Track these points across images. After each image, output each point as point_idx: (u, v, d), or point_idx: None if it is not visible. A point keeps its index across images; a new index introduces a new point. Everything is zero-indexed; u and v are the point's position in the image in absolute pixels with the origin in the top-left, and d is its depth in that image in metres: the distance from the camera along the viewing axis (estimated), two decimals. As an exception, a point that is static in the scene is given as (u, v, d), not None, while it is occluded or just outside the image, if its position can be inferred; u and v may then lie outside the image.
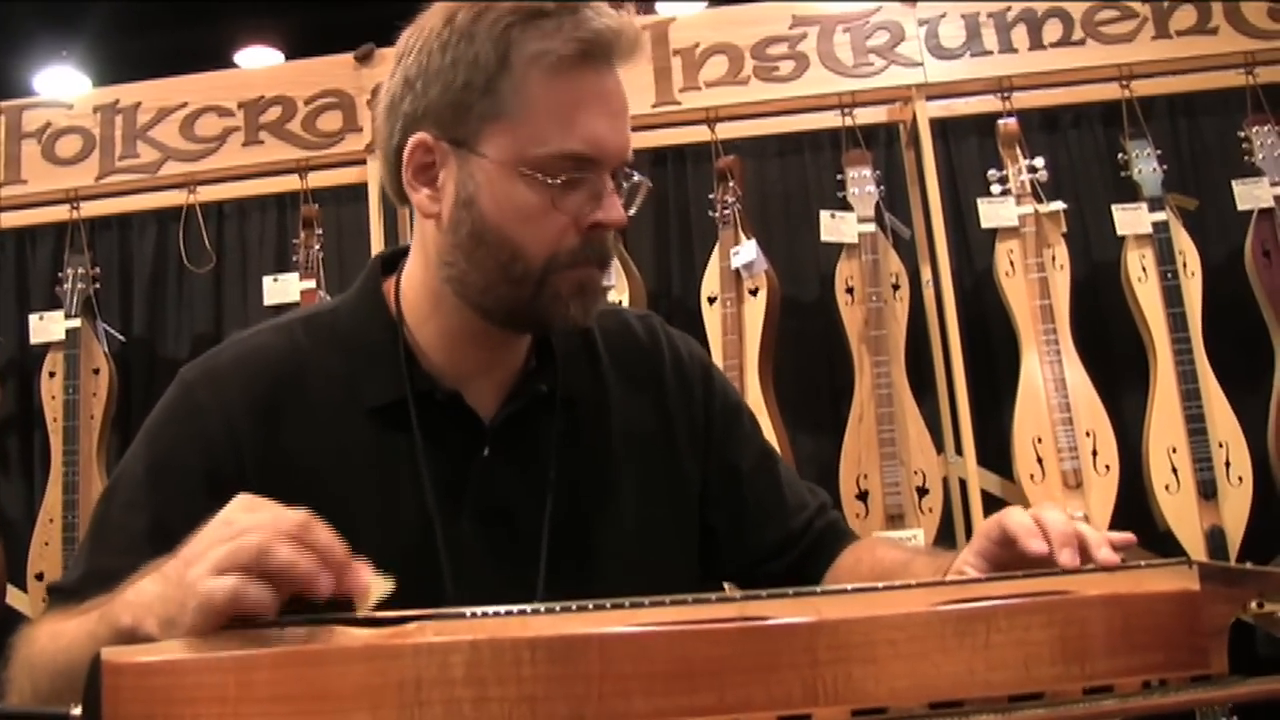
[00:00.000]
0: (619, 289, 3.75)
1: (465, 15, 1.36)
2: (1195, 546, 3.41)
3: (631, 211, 1.44)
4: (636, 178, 1.45)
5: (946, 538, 3.61)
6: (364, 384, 1.46)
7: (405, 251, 1.53)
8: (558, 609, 0.97)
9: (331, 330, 1.51)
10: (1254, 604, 1.08)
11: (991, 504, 3.60)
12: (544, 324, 1.45)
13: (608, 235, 1.40)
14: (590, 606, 0.98)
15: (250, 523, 0.99)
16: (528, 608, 0.97)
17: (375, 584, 0.99)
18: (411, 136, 1.40)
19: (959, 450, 3.68)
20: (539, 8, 1.35)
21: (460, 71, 1.35)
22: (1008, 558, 1.25)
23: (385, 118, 1.44)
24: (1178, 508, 3.48)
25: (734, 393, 1.72)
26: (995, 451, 3.73)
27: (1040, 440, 3.56)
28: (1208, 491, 3.47)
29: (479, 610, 0.96)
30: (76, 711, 0.92)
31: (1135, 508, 3.56)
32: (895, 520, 3.56)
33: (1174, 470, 3.51)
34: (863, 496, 3.60)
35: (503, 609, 0.97)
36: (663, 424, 1.60)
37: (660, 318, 1.71)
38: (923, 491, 3.61)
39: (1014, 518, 1.25)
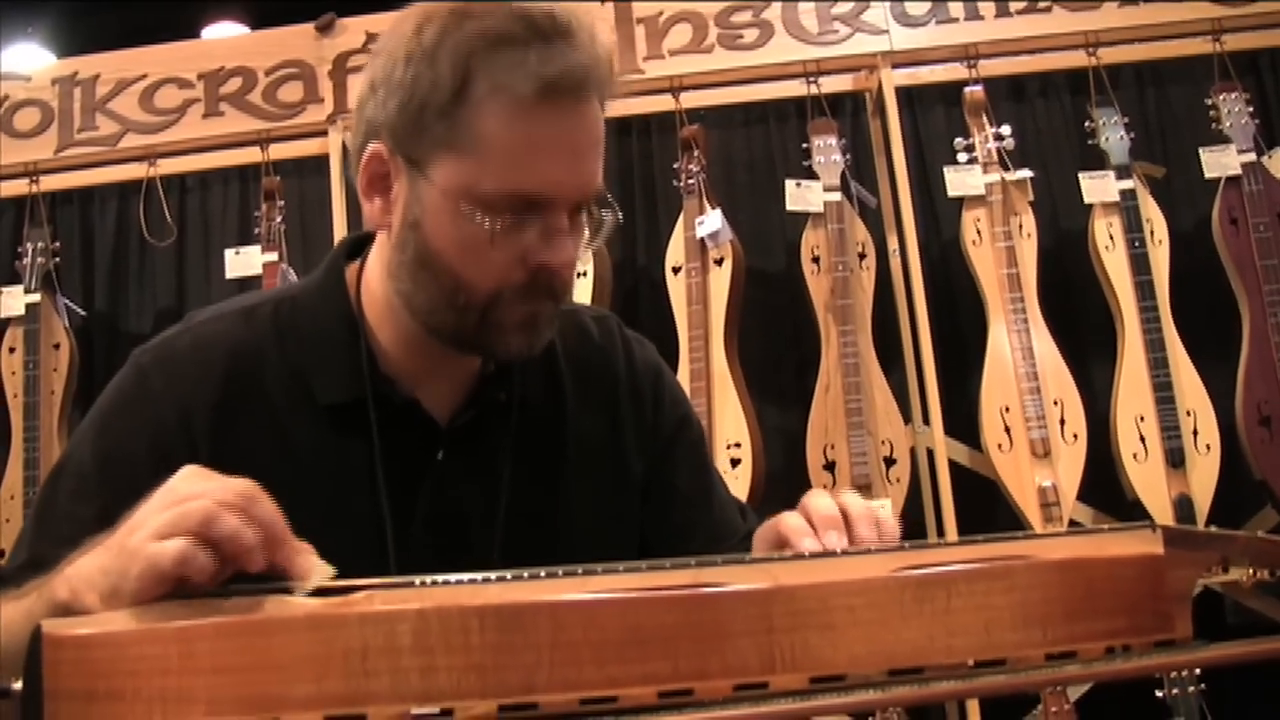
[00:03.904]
0: (584, 260, 3.73)
1: (432, 30, 1.29)
2: (1163, 515, 3.42)
3: (590, 249, 1.41)
4: (603, 214, 1.39)
5: (914, 508, 3.62)
6: (321, 380, 1.43)
7: (371, 237, 1.48)
8: (509, 576, 0.96)
9: (291, 319, 1.46)
10: (1218, 568, 1.07)
11: (959, 473, 3.61)
12: (487, 352, 1.42)
13: (559, 271, 1.34)
14: (542, 574, 0.96)
15: (195, 490, 0.98)
16: (478, 576, 0.95)
17: (318, 567, 0.97)
18: (370, 144, 1.35)
19: (926, 420, 3.67)
20: (508, 34, 1.27)
21: (419, 90, 1.28)
22: None
23: (355, 115, 1.39)
24: (1146, 476, 3.49)
25: (683, 403, 1.69)
26: (963, 421, 3.73)
27: (1008, 409, 3.55)
28: (1175, 460, 3.47)
29: (428, 579, 0.95)
30: (17, 686, 0.90)
31: (1103, 477, 3.57)
32: (863, 491, 3.52)
33: (1142, 439, 3.51)
34: (830, 467, 3.59)
35: (452, 577, 0.95)
36: (613, 432, 1.58)
37: (617, 318, 1.67)
38: (890, 462, 3.60)
39: (788, 522, 1.23)
